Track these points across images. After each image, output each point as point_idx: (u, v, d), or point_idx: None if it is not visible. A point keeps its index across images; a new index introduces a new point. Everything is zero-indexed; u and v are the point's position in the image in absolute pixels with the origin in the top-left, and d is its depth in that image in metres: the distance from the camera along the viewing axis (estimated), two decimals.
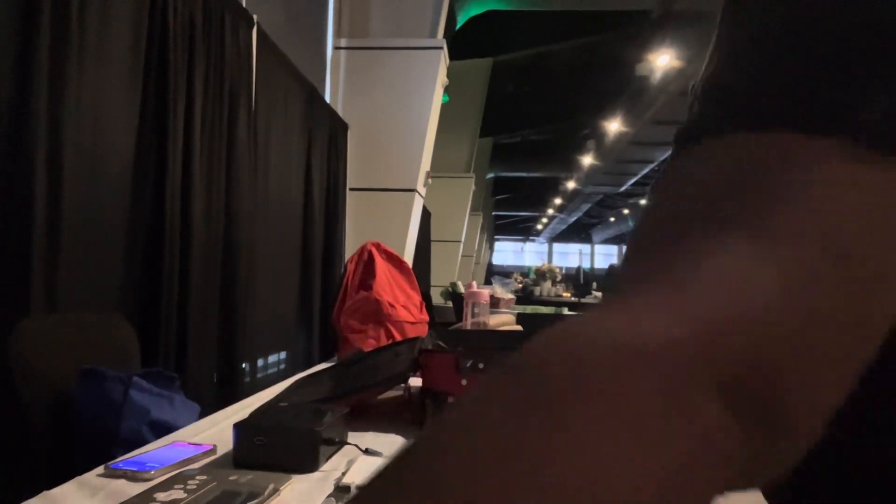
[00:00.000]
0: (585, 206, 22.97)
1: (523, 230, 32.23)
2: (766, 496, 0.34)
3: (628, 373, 0.18)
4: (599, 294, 8.07)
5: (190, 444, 1.02)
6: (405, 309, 2.23)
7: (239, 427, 0.95)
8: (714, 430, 0.18)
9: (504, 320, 2.05)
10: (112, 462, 0.91)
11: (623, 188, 17.97)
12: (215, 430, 1.17)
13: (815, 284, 0.20)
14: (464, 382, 1.16)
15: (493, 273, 21.86)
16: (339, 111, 4.12)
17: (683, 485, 0.17)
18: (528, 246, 36.12)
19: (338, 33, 4.36)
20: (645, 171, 16.08)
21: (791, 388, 0.19)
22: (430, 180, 4.77)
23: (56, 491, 0.83)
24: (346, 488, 0.82)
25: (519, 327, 2.06)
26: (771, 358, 0.19)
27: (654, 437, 0.17)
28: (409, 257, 4.39)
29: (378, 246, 2.37)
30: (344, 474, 0.87)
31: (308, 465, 0.92)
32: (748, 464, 0.19)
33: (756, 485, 0.23)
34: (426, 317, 2.32)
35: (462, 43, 6.77)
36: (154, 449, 1.01)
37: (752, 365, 0.19)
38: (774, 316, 0.19)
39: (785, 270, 0.20)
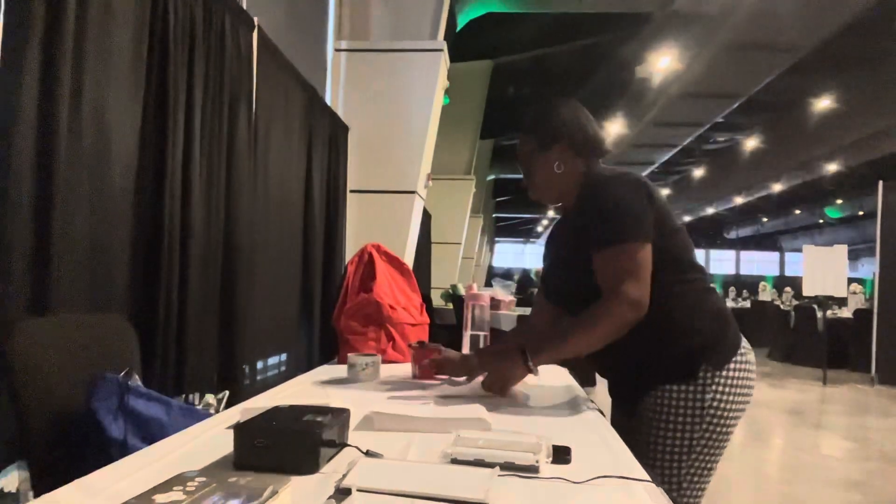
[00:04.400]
0: None
1: (524, 232, 32.21)
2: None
3: None
4: None
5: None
6: (405, 311, 2.23)
7: (239, 429, 0.95)
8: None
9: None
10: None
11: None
12: (215, 432, 1.16)
13: None
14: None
15: (493, 275, 21.85)
16: (340, 113, 4.12)
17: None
18: (529, 248, 36.10)
19: (338, 35, 4.36)
20: (645, 174, 16.07)
21: None
22: (430, 182, 4.77)
23: (56, 493, 0.83)
24: (347, 490, 0.82)
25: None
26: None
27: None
28: (409, 259, 4.39)
29: (378, 248, 2.37)
30: (344, 476, 0.87)
31: (308, 466, 0.92)
32: None
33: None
34: (426, 319, 2.32)
35: (462, 45, 6.77)
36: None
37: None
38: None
39: None
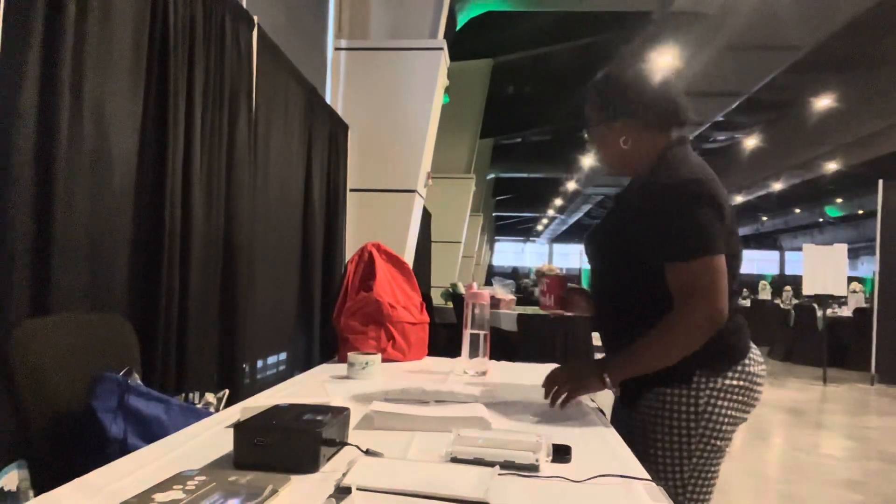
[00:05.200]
0: (586, 207, 22.98)
1: (524, 231, 32.21)
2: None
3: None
4: None
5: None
6: (405, 310, 2.23)
7: (239, 428, 0.95)
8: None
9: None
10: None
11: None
12: (215, 431, 1.17)
13: None
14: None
15: (494, 274, 21.82)
16: (340, 112, 4.12)
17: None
18: (529, 247, 36.11)
19: (338, 34, 4.36)
20: None
21: None
22: (430, 181, 4.77)
23: (56, 492, 0.83)
24: (347, 489, 0.82)
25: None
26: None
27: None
28: (409, 258, 4.39)
29: (378, 247, 2.37)
30: (344, 475, 0.87)
31: (308, 465, 0.92)
32: None
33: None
34: (426, 317, 2.32)
35: (462, 44, 6.77)
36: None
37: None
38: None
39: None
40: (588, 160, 13.79)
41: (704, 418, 1.42)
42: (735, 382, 1.44)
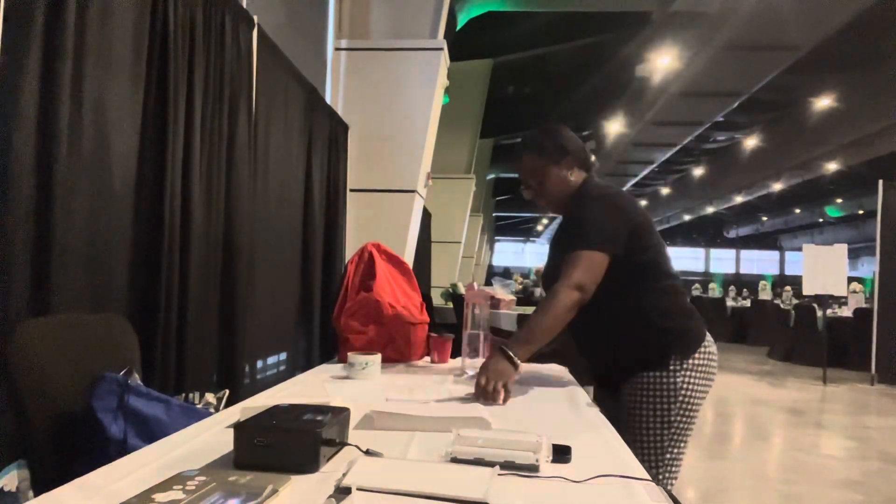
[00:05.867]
0: None
1: (524, 231, 32.20)
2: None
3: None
4: None
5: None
6: (405, 310, 2.23)
7: (239, 428, 0.95)
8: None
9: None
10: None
11: (623, 189, 17.95)
12: (215, 431, 1.17)
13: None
14: None
15: (493, 274, 21.81)
16: (340, 112, 4.12)
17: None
18: (529, 247, 36.10)
19: (338, 34, 4.36)
20: (645, 172, 16.05)
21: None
22: (430, 181, 4.77)
23: (56, 492, 0.83)
24: (347, 489, 0.82)
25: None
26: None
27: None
28: (409, 258, 4.39)
29: (378, 247, 2.37)
30: (344, 475, 0.87)
31: (308, 466, 0.92)
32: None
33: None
34: (426, 317, 2.32)
35: (462, 44, 6.77)
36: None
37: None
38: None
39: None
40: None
41: (681, 393, 1.69)
42: (700, 362, 1.72)
